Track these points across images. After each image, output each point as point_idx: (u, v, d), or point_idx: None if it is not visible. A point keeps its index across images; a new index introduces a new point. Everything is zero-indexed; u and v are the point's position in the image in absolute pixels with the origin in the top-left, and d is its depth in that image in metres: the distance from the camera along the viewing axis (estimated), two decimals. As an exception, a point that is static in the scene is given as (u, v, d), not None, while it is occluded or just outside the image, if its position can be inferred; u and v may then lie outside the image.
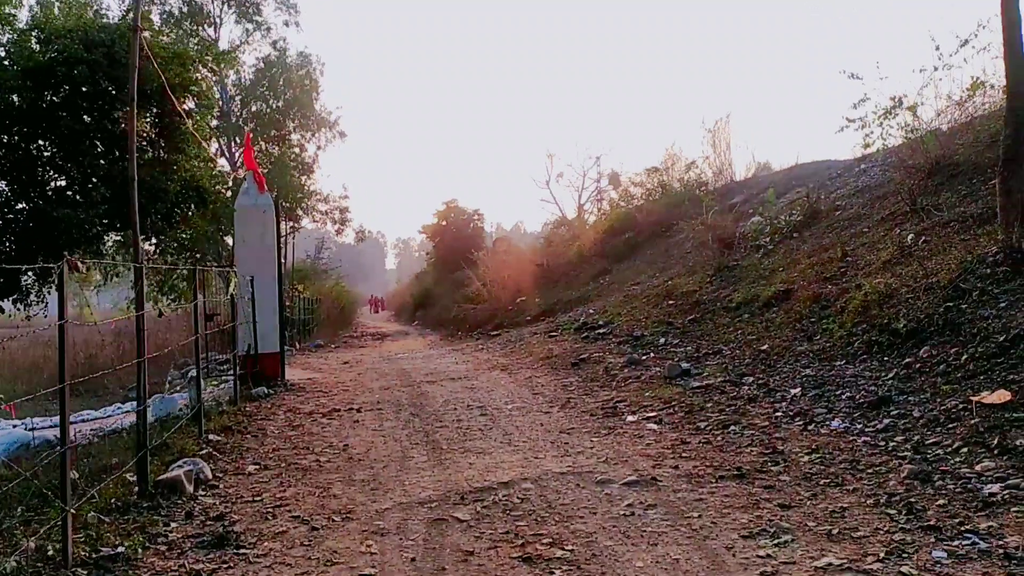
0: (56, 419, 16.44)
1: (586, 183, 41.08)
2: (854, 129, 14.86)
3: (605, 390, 11.42)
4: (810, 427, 7.74)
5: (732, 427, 8.17)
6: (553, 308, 24.44)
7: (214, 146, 38.61)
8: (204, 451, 8.43)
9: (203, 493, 6.93)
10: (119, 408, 17.50)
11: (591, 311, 19.83)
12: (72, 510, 5.17)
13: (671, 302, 16.48)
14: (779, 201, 20.02)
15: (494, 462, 7.67)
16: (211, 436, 9.17)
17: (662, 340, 14.02)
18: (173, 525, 5.97)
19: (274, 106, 40.05)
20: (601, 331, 16.64)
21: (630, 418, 9.37)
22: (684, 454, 7.42)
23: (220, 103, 37.98)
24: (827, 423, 7.76)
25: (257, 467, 7.94)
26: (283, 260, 39.52)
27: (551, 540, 5.39)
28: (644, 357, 13.11)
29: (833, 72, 40.74)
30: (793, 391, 8.97)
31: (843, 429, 7.51)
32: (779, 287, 13.23)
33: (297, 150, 40.80)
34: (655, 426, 8.80)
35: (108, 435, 13.84)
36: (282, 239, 38.77)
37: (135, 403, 12.49)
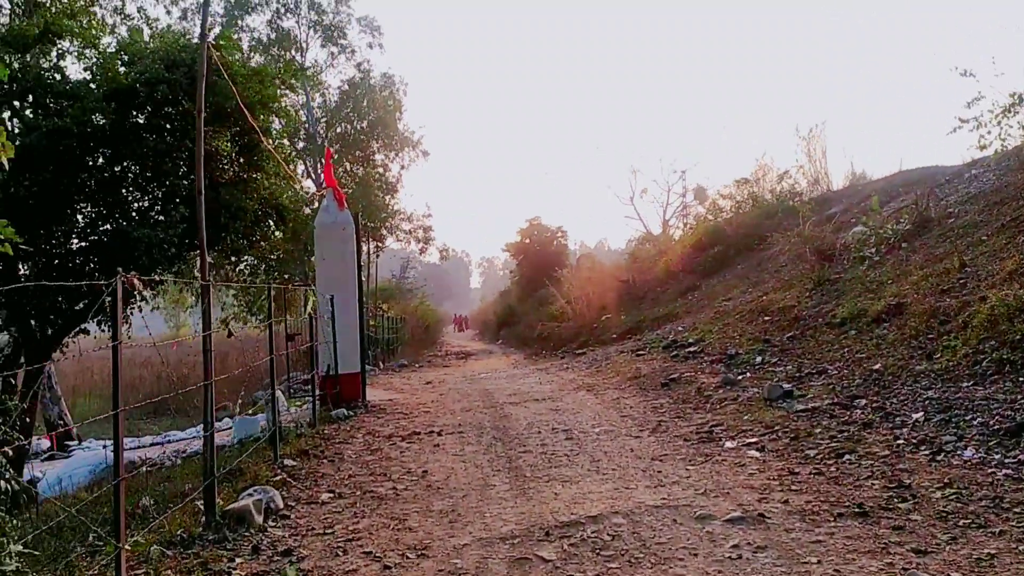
0: (139, 440, 16.50)
1: (671, 198, 40.23)
2: (968, 130, 13.82)
3: (699, 413, 10.67)
4: (939, 457, 6.86)
5: (847, 456, 7.35)
6: (639, 326, 23.65)
7: (300, 167, 39.37)
8: (278, 477, 8.09)
9: (273, 524, 6.54)
10: (198, 431, 17.60)
11: (680, 328, 19.01)
12: (127, 546, 4.81)
13: (767, 318, 15.54)
14: (883, 209, 18.81)
15: (581, 492, 7.06)
16: (287, 461, 8.84)
17: (759, 359, 13.14)
18: (238, 561, 5.57)
19: (358, 127, 40.52)
20: (691, 349, 15.82)
21: (728, 444, 8.62)
22: (794, 487, 6.66)
23: (306, 125, 38.71)
24: (959, 453, 6.87)
25: (331, 495, 7.54)
26: (366, 279, 39.86)
27: (648, 587, 4.76)
28: (740, 377, 12.28)
29: (935, 73, 38.73)
30: (915, 416, 8.06)
31: (978, 460, 6.61)
32: (889, 301, 12.20)
33: (381, 170, 41.14)
34: (757, 454, 8.03)
35: (192, 457, 13.84)
36: (364, 257, 39.22)
37: (216, 424, 12.30)
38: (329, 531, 6.32)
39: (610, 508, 6.42)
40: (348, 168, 41.50)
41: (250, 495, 6.86)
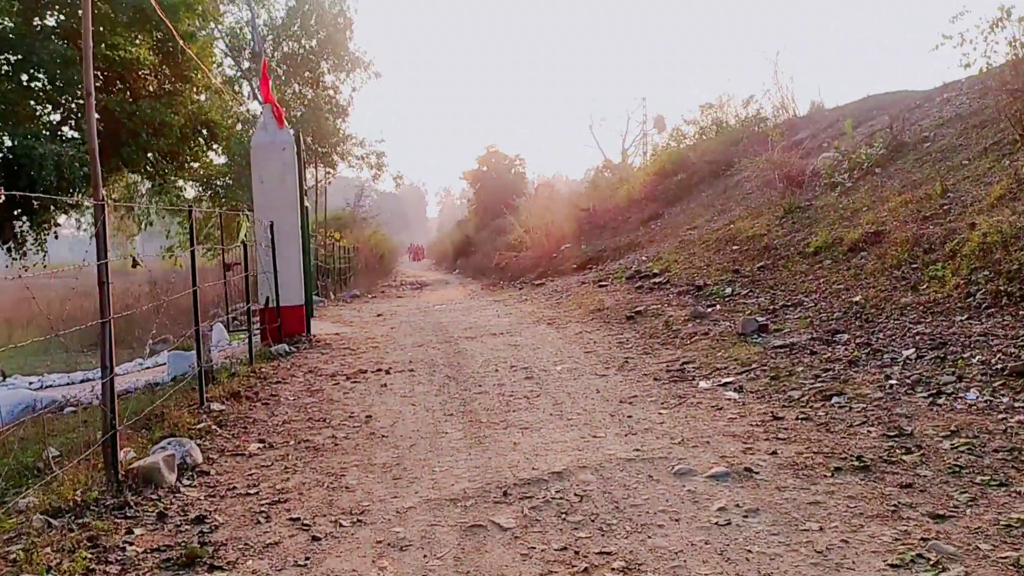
0: (70, 376, 15.38)
1: (630, 127, 39.18)
2: (952, 46, 12.96)
3: (668, 348, 9.95)
4: (940, 400, 6.19)
5: (835, 398, 6.65)
6: (600, 256, 22.88)
7: (246, 88, 37.42)
8: (202, 424, 7.17)
9: (188, 483, 5.66)
10: (139, 363, 16.52)
11: (643, 258, 18.27)
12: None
13: (735, 247, 14.83)
14: (854, 133, 18.08)
15: (543, 441, 6.28)
16: (214, 405, 7.92)
17: (728, 290, 12.45)
18: (137, 532, 4.68)
19: (307, 46, 38.49)
20: (657, 280, 15.10)
21: (703, 384, 7.90)
22: (780, 435, 5.94)
23: (252, 44, 36.60)
24: (961, 395, 6.21)
25: (261, 445, 6.66)
26: (314, 206, 38.38)
27: (624, 564, 3.99)
28: (710, 309, 11.58)
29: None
30: (906, 353, 7.39)
31: (984, 404, 5.95)
32: (866, 228, 11.51)
33: (331, 92, 39.29)
34: (735, 395, 7.32)
35: (123, 396, 12.83)
36: (313, 183, 37.61)
37: (156, 357, 11.17)
38: (253, 491, 5.46)
39: (576, 461, 5.65)
40: (297, 90, 39.55)
41: (163, 448, 5.95)
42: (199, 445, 6.56)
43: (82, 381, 15.80)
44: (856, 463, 5.13)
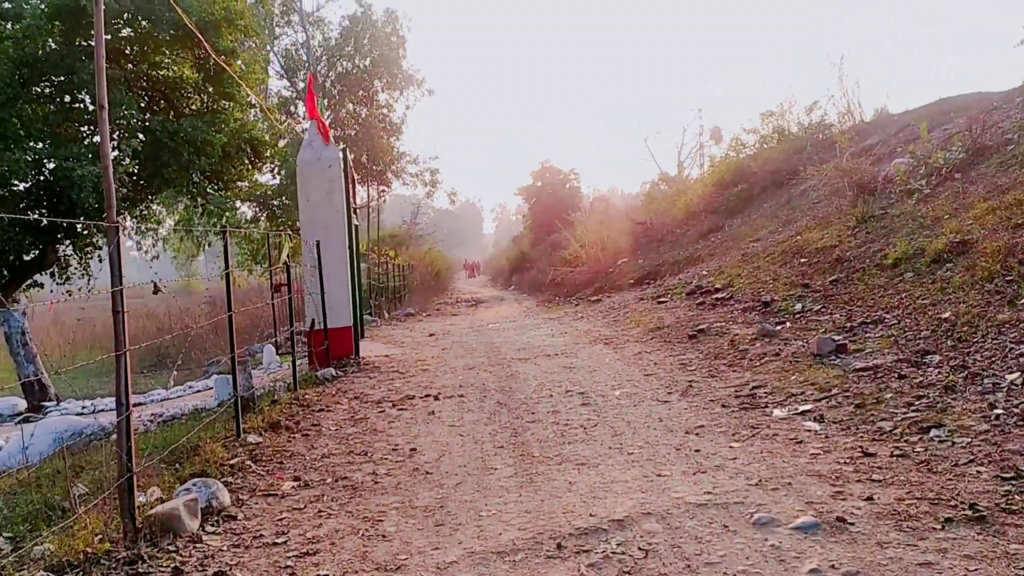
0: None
1: (686, 138, 38.31)
2: (1042, 40, 11.99)
3: (735, 371, 9.22)
4: (1060, 435, 5.38)
5: (934, 432, 5.88)
6: (658, 270, 22.12)
7: (301, 109, 37.59)
8: (235, 459, 6.72)
9: (212, 529, 5.17)
10: (190, 388, 16.33)
11: (704, 272, 17.48)
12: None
13: (803, 260, 13.98)
14: (929, 137, 17.04)
15: (602, 481, 5.64)
16: (251, 437, 7.47)
17: (799, 306, 11.63)
18: (148, 592, 4.21)
19: (360, 65, 38.56)
20: (719, 296, 14.32)
21: (777, 412, 7.17)
22: (875, 475, 5.21)
23: (306, 64, 36.83)
24: (1084, 429, 5.39)
25: (296, 484, 6.16)
26: (369, 223, 38.32)
27: (701, 643, 3.34)
28: (779, 327, 10.79)
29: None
30: (1010, 377, 6.56)
31: (1115, 439, 5.14)
32: (951, 238, 10.61)
33: (385, 110, 39.28)
34: (816, 425, 6.58)
35: (171, 422, 12.57)
36: (366, 201, 37.51)
37: (208, 380, 10.84)
38: (281, 539, 4.95)
39: (640, 506, 5.00)
40: (351, 109, 39.71)
41: (187, 490, 5.48)
42: (230, 484, 6.10)
43: (135, 405, 15.66)
44: (969, 512, 4.39)
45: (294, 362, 10.21)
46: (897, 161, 16.93)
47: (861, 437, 6.09)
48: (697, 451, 6.21)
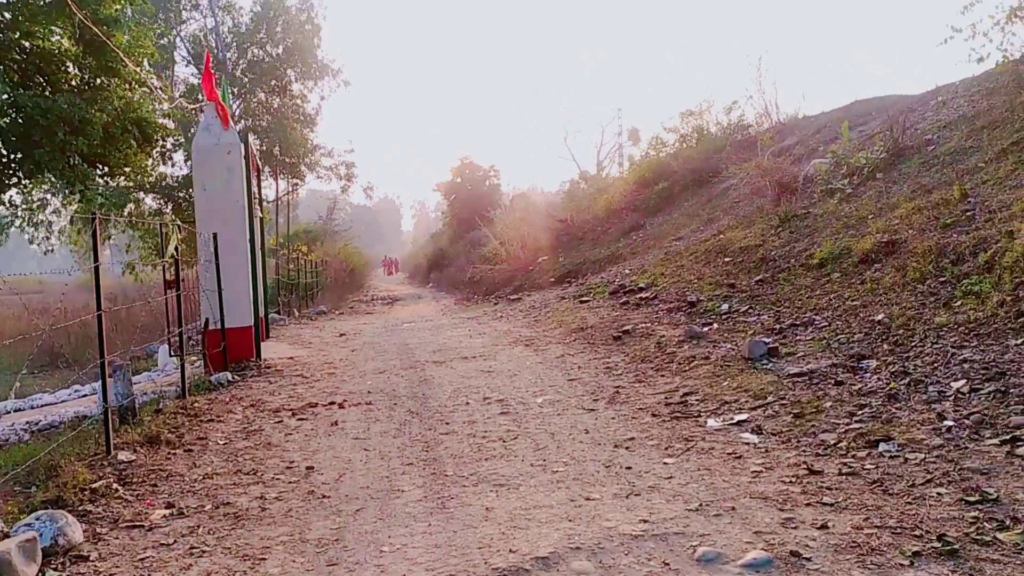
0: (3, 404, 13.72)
1: (605, 138, 38.17)
2: (964, 39, 11.94)
3: (663, 375, 8.69)
4: (1020, 450, 4.95)
5: (883, 445, 5.41)
6: (579, 268, 21.67)
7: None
8: (101, 481, 5.78)
9: (55, 573, 4.29)
10: (77, 391, 14.98)
11: (627, 271, 17.07)
12: None
13: (727, 259, 13.65)
14: (849, 137, 17.02)
15: (523, 506, 4.97)
16: (122, 455, 6.51)
17: (725, 306, 11.24)
18: (-50, 669, 3.32)
19: (273, 53, 37.12)
20: (643, 295, 13.88)
21: (712, 423, 6.63)
22: (825, 497, 4.68)
23: (215, 51, 35.17)
24: (1045, 443, 4.99)
25: (169, 512, 5.28)
26: (283, 219, 36.89)
27: None
28: (706, 329, 10.35)
29: None
30: (955, 384, 6.17)
31: (1080, 455, 4.73)
32: (878, 238, 10.35)
33: (299, 101, 37.88)
34: (754, 438, 6.06)
35: (47, 431, 11.37)
36: (264, 189, 35.92)
37: (98, 384, 9.67)
38: (139, 587, 4.10)
39: (568, 539, 4.34)
40: (263, 99, 38.19)
41: (28, 526, 4.57)
42: (89, 513, 5.20)
43: (11, 411, 14.26)
44: (939, 545, 3.87)
45: (183, 366, 9.23)
46: (817, 161, 16.85)
47: (804, 451, 5.58)
48: (628, 468, 5.60)
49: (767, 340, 8.72)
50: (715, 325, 10.55)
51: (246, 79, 37.28)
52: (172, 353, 13.20)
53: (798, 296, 10.32)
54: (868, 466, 5.10)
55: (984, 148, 11.91)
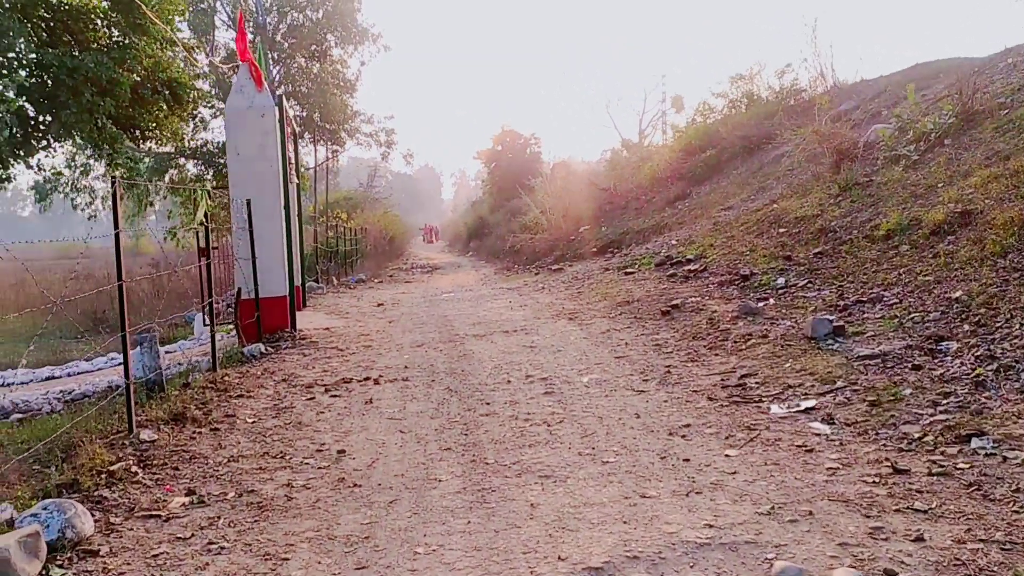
0: (35, 373, 13.67)
1: (648, 106, 37.22)
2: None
3: (718, 354, 8.13)
4: None
5: (975, 440, 4.83)
6: (622, 239, 21.02)
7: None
8: (120, 464, 5.43)
9: (60, 570, 3.92)
10: (113, 359, 14.85)
11: (673, 242, 16.40)
12: None
13: (782, 230, 12.95)
14: (913, 101, 16.06)
15: (572, 503, 4.49)
16: (144, 434, 6.16)
17: (781, 280, 10.60)
18: None
19: (313, 18, 36.56)
20: (691, 267, 13.25)
21: (776, 409, 6.08)
22: (917, 502, 4.13)
23: (255, 15, 34.79)
24: None
25: (189, 500, 4.91)
26: (323, 186, 36.61)
27: None
28: (761, 304, 9.75)
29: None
30: (1053, 372, 5.54)
31: None
32: (951, 208, 9.62)
33: (339, 66, 37.38)
34: (825, 428, 5.50)
35: (79, 400, 11.19)
36: (309, 158, 35.60)
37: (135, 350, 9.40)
38: (149, 590, 3.72)
39: (623, 545, 3.86)
40: (303, 64, 37.73)
41: (35, 516, 4.22)
42: (104, 500, 4.85)
43: (47, 379, 14.16)
44: (1062, 567, 3.32)
45: (213, 338, 8.89)
46: (879, 126, 15.95)
47: (885, 446, 5.02)
48: (686, 461, 5.09)
49: (831, 318, 8.09)
50: (771, 300, 9.92)
51: (286, 44, 36.87)
52: (205, 323, 12.94)
53: (863, 270, 9.64)
54: (961, 465, 4.52)
55: (1067, 112, 11.04)
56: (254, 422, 6.74)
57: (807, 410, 5.90)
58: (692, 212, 19.55)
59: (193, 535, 4.36)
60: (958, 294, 7.61)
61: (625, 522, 4.15)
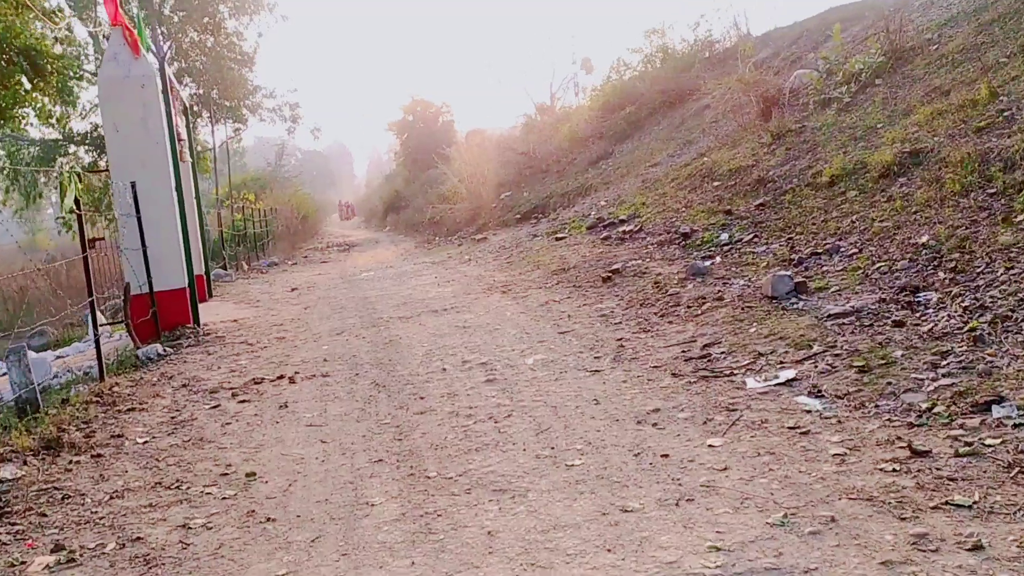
0: None
1: (557, 70, 36.59)
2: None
3: (672, 322, 7.39)
4: None
5: (996, 408, 4.16)
6: (546, 203, 20.24)
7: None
8: (-33, 517, 4.34)
9: None
10: (-3, 369, 13.31)
11: (602, 203, 15.68)
12: None
13: (716, 183, 12.32)
14: (830, 44, 15.61)
15: (539, 528, 3.65)
16: (4, 470, 5.03)
17: (724, 236, 9.94)
18: None
19: (203, -12, 34.33)
20: (626, 228, 12.53)
21: (752, 383, 5.35)
22: (955, 494, 3.42)
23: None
24: None
25: (56, 561, 3.87)
26: (224, 167, 34.67)
27: None
28: (708, 263, 9.07)
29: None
30: (1058, 321, 4.94)
31: None
32: (898, 148, 9.08)
33: (234, 39, 35.34)
34: (815, 403, 4.78)
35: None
36: (206, 136, 33.63)
37: (13, 361, 8.01)
38: None
39: (613, 587, 3.04)
40: (195, 38, 35.51)
41: None
42: (-61, 571, 3.76)
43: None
44: None
45: (97, 343, 7.69)
46: (802, 71, 15.47)
47: (891, 421, 4.32)
48: (665, 457, 4.30)
49: (789, 274, 7.43)
50: (717, 259, 9.26)
51: (176, 17, 34.65)
52: (111, 321, 11.59)
53: (811, 220, 9.04)
54: (989, 441, 3.85)
55: (1000, 43, 10.62)
56: (146, 442, 5.67)
57: (788, 382, 5.18)
58: (618, 171, 18.85)
59: (54, 614, 3.35)
60: (924, 239, 7.02)
61: (609, 550, 3.32)
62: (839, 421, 4.43)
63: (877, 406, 4.54)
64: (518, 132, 37.23)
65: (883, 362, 5.08)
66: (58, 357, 11.77)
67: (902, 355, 5.10)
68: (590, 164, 21.76)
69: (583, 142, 24.33)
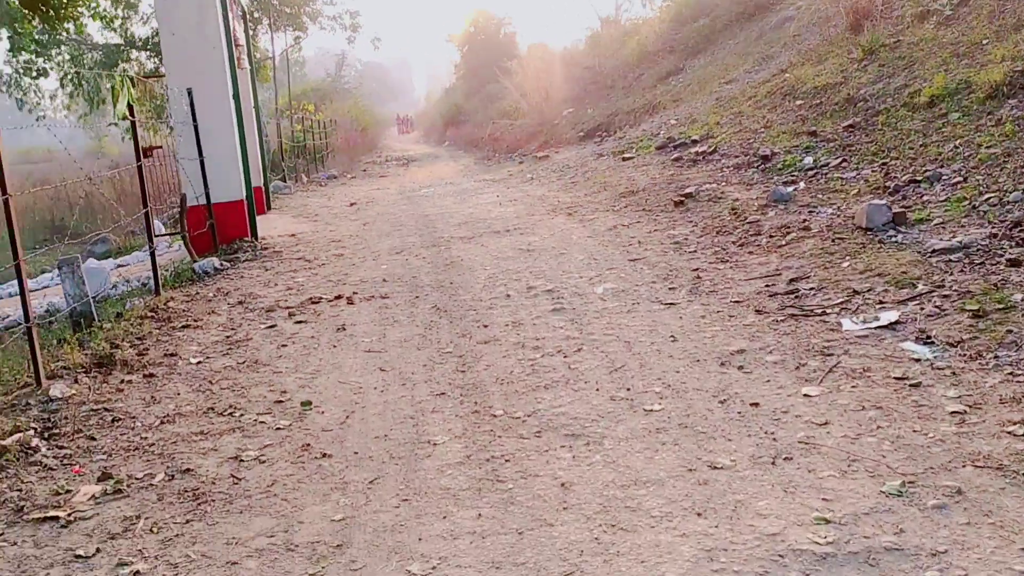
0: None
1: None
2: None
3: (752, 252, 6.88)
4: None
5: None
6: (611, 121, 19.47)
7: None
8: (12, 438, 4.17)
9: None
10: (56, 277, 13.40)
11: (672, 122, 14.92)
12: None
13: (799, 102, 11.51)
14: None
15: (618, 478, 3.31)
16: (55, 389, 4.86)
17: (809, 160, 9.27)
18: None
19: None
20: (699, 149, 11.85)
21: (849, 324, 4.86)
22: (1105, 470, 2.96)
23: None
24: None
25: (101, 491, 3.67)
26: (287, 77, 34.30)
27: None
28: (791, 189, 8.45)
29: None
30: None
31: None
32: (1009, 66, 8.23)
33: (294, -58, 34.40)
34: (925, 351, 4.29)
35: (6, 330, 9.87)
36: (267, 45, 33.19)
37: (68, 271, 7.94)
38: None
39: (708, 561, 2.68)
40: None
41: None
42: (-16, 495, 3.60)
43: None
44: None
45: (153, 256, 7.50)
46: (898, -19, 14.30)
47: (1014, 375, 3.83)
48: (755, 406, 3.89)
49: (885, 203, 6.81)
50: (801, 184, 8.62)
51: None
52: (157, 233, 11.47)
53: (909, 144, 8.31)
54: None
55: None
56: (199, 363, 5.47)
57: (891, 325, 4.69)
58: (689, 88, 17.93)
59: (97, 551, 3.15)
60: (1043, 168, 6.33)
61: (699, 514, 2.97)
62: (954, 373, 3.95)
63: (996, 357, 4.04)
64: (582, 47, 35.95)
65: (1000, 306, 4.54)
66: (119, 266, 11.76)
67: (1022, 299, 4.55)
68: (659, 80, 20.81)
69: (651, 57, 23.25)
